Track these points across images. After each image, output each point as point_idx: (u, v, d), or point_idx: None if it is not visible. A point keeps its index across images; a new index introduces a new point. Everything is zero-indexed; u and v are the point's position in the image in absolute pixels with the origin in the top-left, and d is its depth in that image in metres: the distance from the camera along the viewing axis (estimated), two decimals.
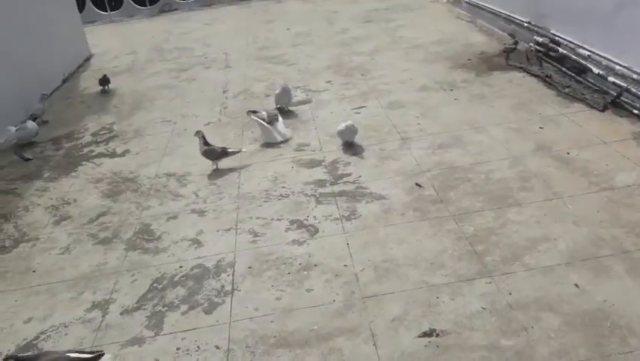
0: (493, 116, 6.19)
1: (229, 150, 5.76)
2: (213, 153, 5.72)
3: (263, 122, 6.21)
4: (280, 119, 6.39)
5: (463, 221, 4.44)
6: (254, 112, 6.39)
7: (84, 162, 6.35)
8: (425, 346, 3.35)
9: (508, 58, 7.80)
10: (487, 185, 4.89)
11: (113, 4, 14.45)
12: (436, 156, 5.49)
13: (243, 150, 5.91)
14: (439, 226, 4.42)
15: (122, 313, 3.95)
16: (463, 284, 3.79)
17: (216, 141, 6.05)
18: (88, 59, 10.56)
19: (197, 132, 5.78)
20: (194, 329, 3.73)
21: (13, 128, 6.79)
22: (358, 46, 9.37)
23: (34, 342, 3.78)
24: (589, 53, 6.51)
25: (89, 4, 13.93)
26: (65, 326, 3.89)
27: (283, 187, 5.32)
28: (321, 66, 8.59)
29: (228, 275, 4.20)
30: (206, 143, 5.73)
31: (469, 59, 8.06)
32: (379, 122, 6.40)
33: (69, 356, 3.32)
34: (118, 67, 9.70)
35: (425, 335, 3.43)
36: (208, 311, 3.87)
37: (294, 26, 11.16)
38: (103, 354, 3.35)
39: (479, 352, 3.26)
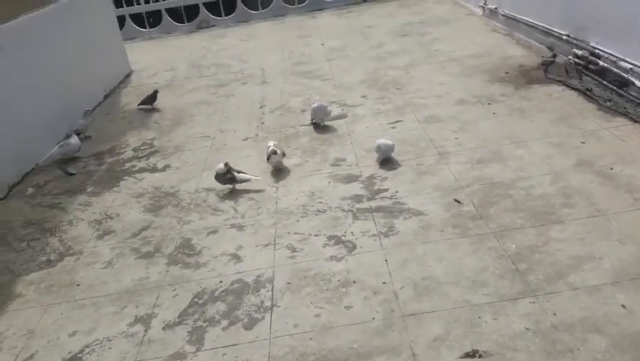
0: (532, 130, 6.09)
1: (238, 176, 5.71)
2: (222, 178, 5.71)
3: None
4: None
5: (504, 238, 4.37)
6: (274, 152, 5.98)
7: (126, 177, 6.51)
8: None
9: (547, 71, 7.69)
10: (528, 201, 4.81)
11: (152, 20, 14.84)
12: (475, 172, 5.43)
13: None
14: (480, 243, 4.36)
15: (164, 328, 4.02)
16: (506, 304, 3.72)
17: (254, 156, 6.14)
18: (128, 75, 10.85)
19: (226, 164, 5.70)
20: (234, 344, 3.76)
21: (57, 146, 7.02)
22: (393, 60, 9.37)
23: (79, 355, 3.88)
24: (631, 66, 6.36)
25: (128, 22, 14.33)
26: (109, 340, 3.98)
27: (320, 202, 5.34)
28: (356, 80, 8.62)
29: (267, 291, 4.23)
30: (229, 170, 5.68)
31: (506, 73, 7.97)
32: (416, 136, 6.38)
33: None
34: (157, 83, 9.91)
35: (468, 355, 3.38)
36: (248, 327, 3.90)
37: (328, 41, 11.24)
38: None
39: None
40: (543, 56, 7.99)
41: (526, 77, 7.70)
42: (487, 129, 6.29)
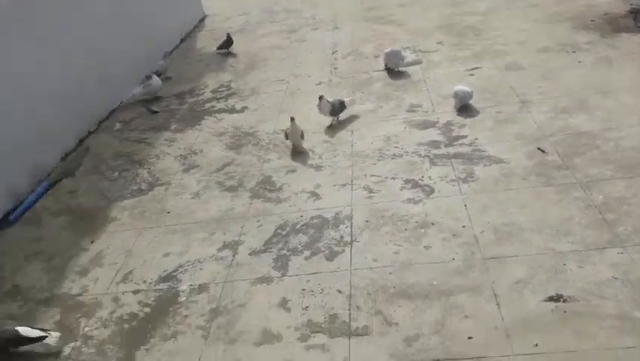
0: (621, 80, 5.81)
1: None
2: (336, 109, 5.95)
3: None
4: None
5: (591, 189, 4.28)
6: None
7: (206, 117, 6.72)
8: (552, 310, 3.32)
9: (637, 19, 7.22)
10: (617, 152, 4.65)
11: None
12: (560, 121, 5.27)
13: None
14: (565, 193, 4.29)
15: (250, 254, 4.25)
16: (593, 253, 3.69)
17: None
18: (202, 20, 11.00)
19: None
20: (316, 273, 3.94)
21: (140, 86, 7.29)
22: (470, 5, 9.04)
23: (174, 274, 4.19)
24: None
25: None
26: (200, 262, 4.25)
27: (396, 147, 5.36)
28: (431, 26, 8.40)
29: (347, 227, 4.35)
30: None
31: (592, 20, 7.55)
32: (495, 84, 6.22)
33: (17, 331, 3.55)
34: (231, 28, 10.00)
35: (551, 299, 3.39)
36: (329, 258, 4.06)
37: None
38: (46, 336, 3.60)
39: (610, 321, 3.19)
40: (632, 4, 7.50)
41: (612, 25, 7.28)
42: (572, 78, 6.05)
